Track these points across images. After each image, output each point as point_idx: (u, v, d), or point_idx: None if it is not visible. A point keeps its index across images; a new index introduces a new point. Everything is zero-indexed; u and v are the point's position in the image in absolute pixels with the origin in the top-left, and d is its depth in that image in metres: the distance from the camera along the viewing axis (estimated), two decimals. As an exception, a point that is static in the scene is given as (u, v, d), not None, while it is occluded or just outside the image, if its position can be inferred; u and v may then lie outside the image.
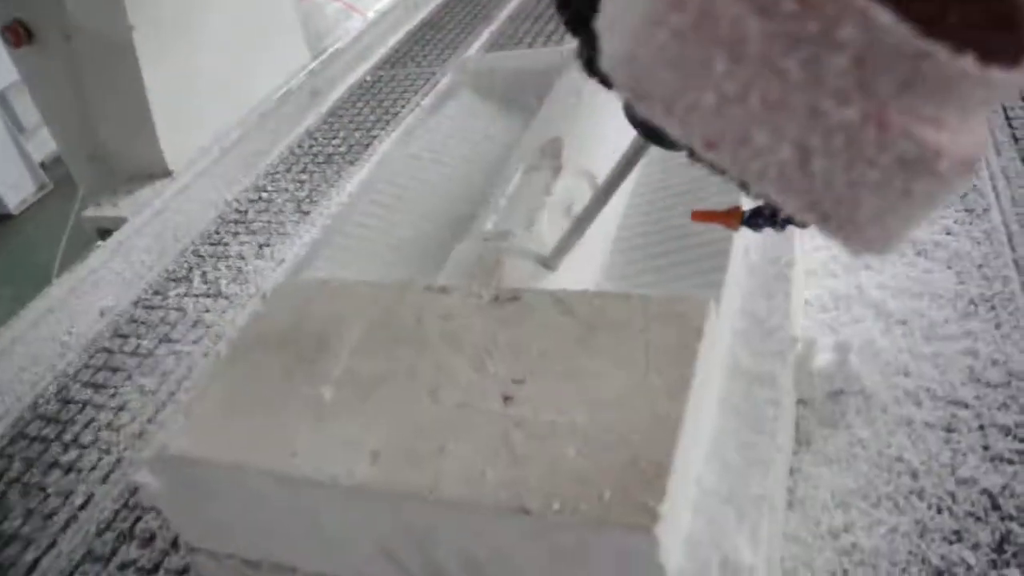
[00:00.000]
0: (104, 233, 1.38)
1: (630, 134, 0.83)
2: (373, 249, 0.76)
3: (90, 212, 1.47)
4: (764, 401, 0.54)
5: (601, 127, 0.80)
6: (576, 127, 0.78)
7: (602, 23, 0.27)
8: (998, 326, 0.79)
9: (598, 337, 0.54)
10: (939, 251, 0.91)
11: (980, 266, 0.88)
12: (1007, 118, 1.13)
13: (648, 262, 0.66)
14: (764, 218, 0.49)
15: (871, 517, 0.65)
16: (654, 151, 0.77)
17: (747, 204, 0.53)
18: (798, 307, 0.68)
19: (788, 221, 0.45)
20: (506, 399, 0.51)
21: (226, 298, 1.15)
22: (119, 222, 1.38)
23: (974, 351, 0.77)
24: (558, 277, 0.64)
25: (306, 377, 0.57)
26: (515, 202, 0.71)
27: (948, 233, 0.93)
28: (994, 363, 0.75)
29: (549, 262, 0.67)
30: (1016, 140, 1.09)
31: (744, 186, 0.28)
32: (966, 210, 0.96)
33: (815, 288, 0.89)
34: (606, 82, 0.37)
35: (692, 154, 0.30)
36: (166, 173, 1.47)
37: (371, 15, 1.95)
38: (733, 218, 0.51)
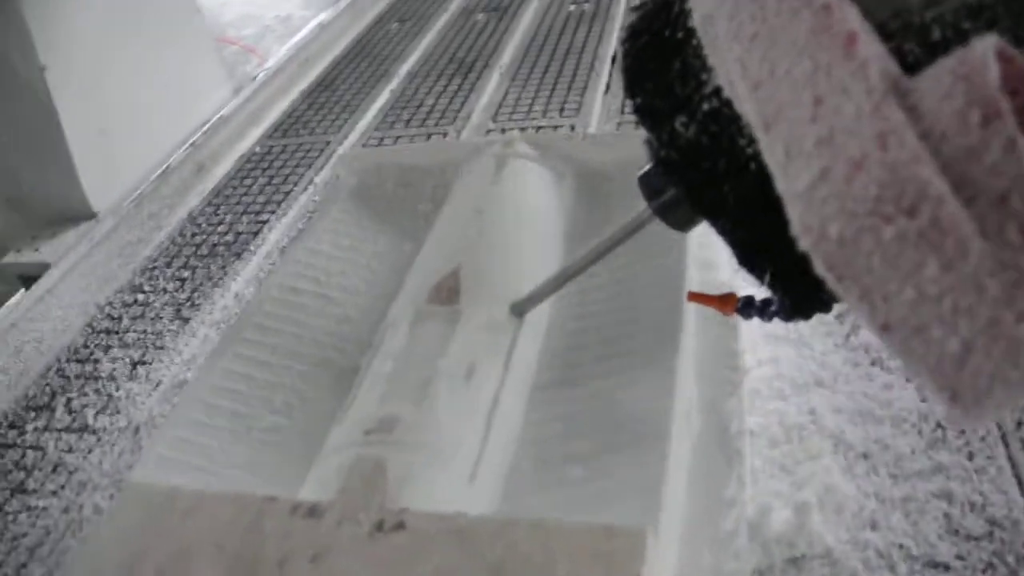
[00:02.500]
0: (27, 280, 1.33)
1: (539, 260, 0.72)
2: (240, 426, 0.63)
3: (10, 259, 1.40)
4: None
5: (507, 253, 0.68)
6: (477, 255, 0.66)
7: (793, 189, 0.29)
8: (971, 457, 0.70)
9: (508, 587, 0.42)
10: (896, 360, 0.81)
11: (939, 373, 0.79)
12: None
13: (571, 443, 0.55)
14: (755, 308, 0.48)
15: None
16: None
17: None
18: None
19: (775, 315, 0.46)
20: None
21: (93, 433, 0.99)
22: (41, 268, 1.31)
23: (948, 492, 0.67)
24: (463, 491, 0.52)
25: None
26: (402, 367, 0.59)
27: (900, 332, 0.84)
28: (972, 507, 0.66)
29: (519, 308, 0.63)
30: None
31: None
32: (915, 301, 0.88)
33: (760, 415, 0.78)
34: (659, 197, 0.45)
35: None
36: (90, 215, 1.40)
37: (270, 63, 1.82)
38: (727, 304, 0.52)
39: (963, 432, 0.72)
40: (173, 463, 0.59)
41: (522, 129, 1.34)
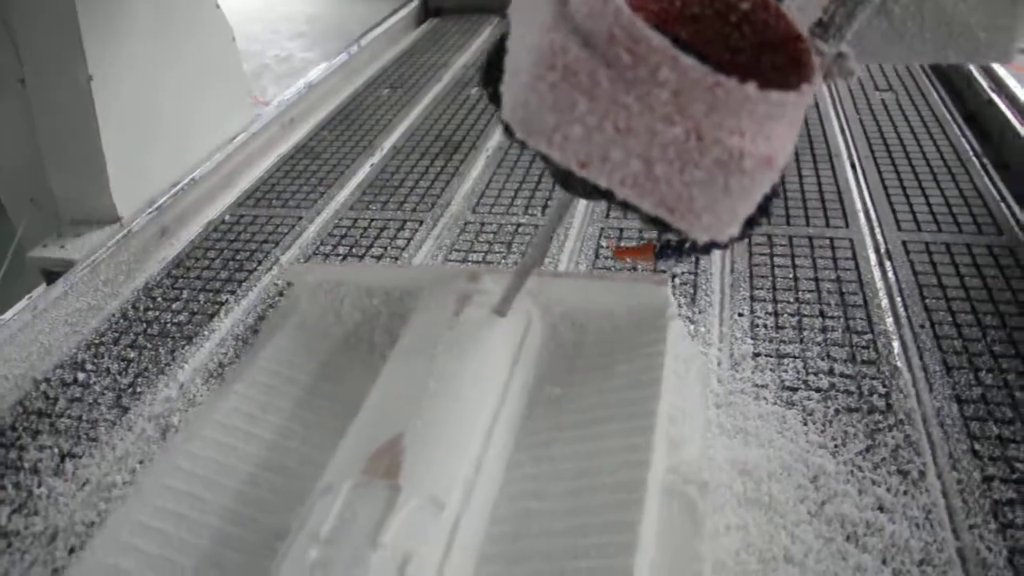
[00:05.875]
0: (50, 275, 1.39)
1: (494, 422, 0.66)
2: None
3: (35, 253, 1.44)
4: None
5: (456, 420, 0.61)
6: (424, 420, 0.60)
7: (504, 85, 0.39)
8: None
9: None
10: (872, 536, 0.75)
11: (921, 564, 0.72)
12: (935, 337, 1.01)
13: None
14: (672, 250, 0.51)
15: None
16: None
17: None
18: None
19: (691, 252, 0.50)
20: None
21: (4, 536, 0.91)
22: (66, 264, 1.36)
23: None
24: None
25: None
26: (335, 542, 0.52)
27: (881, 509, 0.78)
28: None
29: (499, 308, 0.70)
30: (948, 370, 0.95)
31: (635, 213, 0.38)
32: (899, 471, 0.81)
33: (724, 594, 0.72)
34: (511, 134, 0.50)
35: (607, 196, 0.40)
36: (115, 219, 1.46)
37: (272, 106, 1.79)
38: (647, 252, 0.56)
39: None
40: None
41: (499, 227, 1.29)
